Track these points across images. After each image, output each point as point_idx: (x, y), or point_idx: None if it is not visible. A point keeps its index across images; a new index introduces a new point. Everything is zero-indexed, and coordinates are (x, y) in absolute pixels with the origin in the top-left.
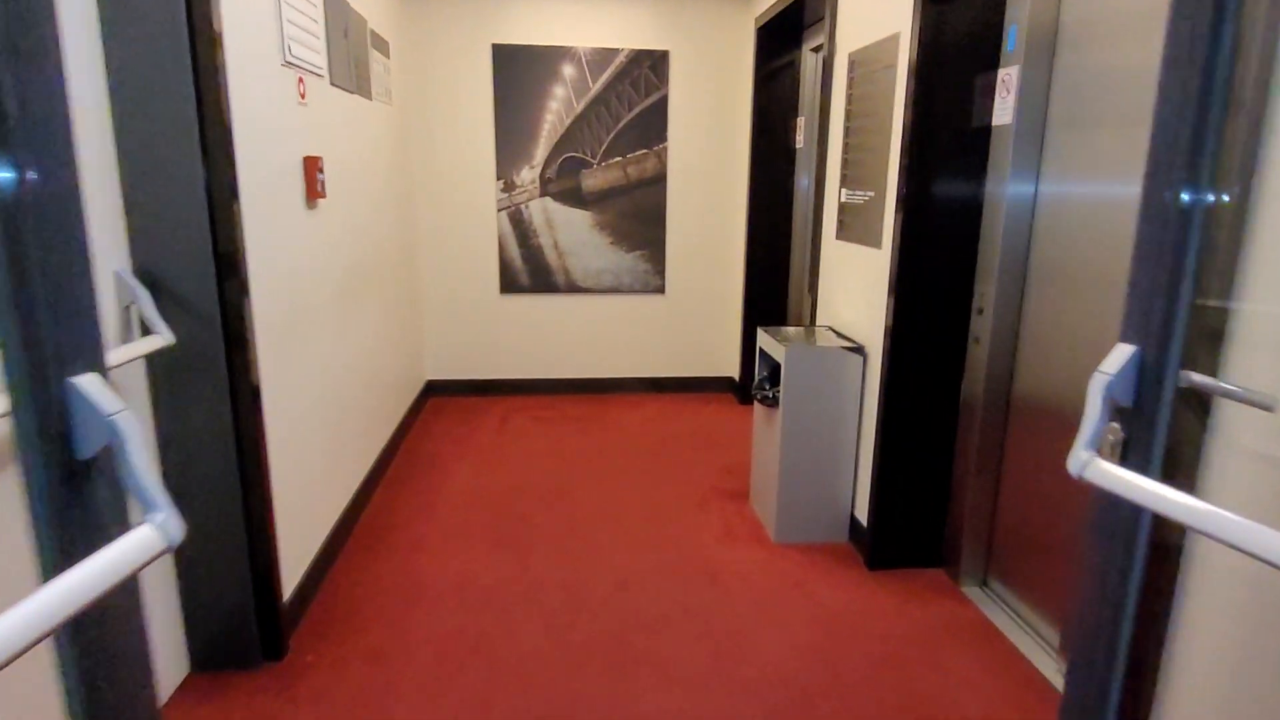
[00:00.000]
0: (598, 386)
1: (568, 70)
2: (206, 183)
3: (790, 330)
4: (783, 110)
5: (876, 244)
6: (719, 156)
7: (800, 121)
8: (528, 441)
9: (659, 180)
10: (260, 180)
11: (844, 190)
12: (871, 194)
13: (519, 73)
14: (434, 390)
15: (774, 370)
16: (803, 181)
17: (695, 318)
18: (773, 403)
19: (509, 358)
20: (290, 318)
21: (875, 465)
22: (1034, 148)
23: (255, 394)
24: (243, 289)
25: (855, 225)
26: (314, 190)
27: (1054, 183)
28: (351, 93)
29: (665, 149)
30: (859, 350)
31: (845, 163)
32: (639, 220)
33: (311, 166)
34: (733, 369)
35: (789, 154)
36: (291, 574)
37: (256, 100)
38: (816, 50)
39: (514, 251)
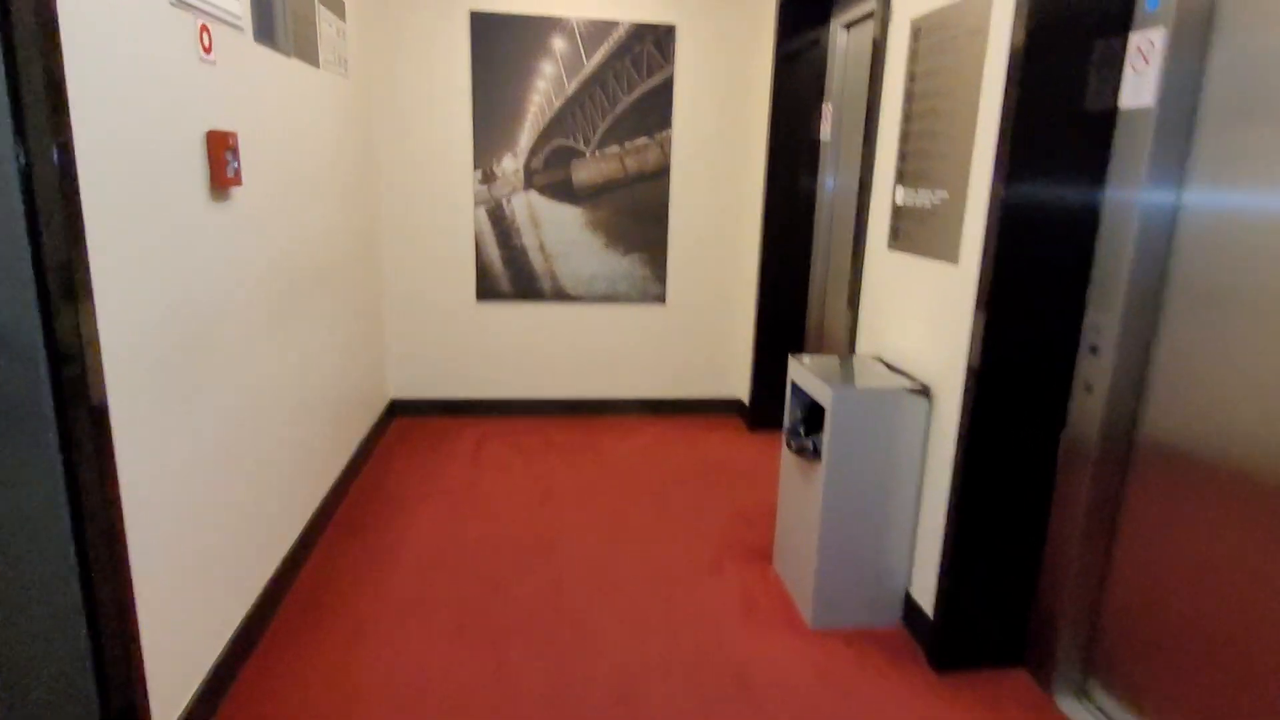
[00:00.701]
0: (588, 408)
1: (558, 44)
2: (23, 167)
3: (829, 361)
4: (807, 95)
5: (951, 258)
6: (731, 147)
7: (827, 109)
8: (506, 476)
9: (661, 173)
10: (129, 163)
11: (901, 189)
12: (945, 195)
13: (501, 45)
14: (400, 410)
15: (810, 411)
16: (829, 178)
17: (700, 332)
18: (813, 455)
19: (486, 374)
20: (183, 343)
21: (947, 538)
22: (1181, 139)
23: (103, 460)
24: (79, 313)
25: (918, 233)
26: (222, 176)
27: (1214, 188)
28: (288, 56)
29: (669, 137)
30: (924, 392)
31: (904, 155)
32: (638, 219)
33: (218, 145)
34: (742, 391)
35: (813, 146)
36: (173, 702)
37: (122, 50)
38: (850, 26)
39: (493, 253)
